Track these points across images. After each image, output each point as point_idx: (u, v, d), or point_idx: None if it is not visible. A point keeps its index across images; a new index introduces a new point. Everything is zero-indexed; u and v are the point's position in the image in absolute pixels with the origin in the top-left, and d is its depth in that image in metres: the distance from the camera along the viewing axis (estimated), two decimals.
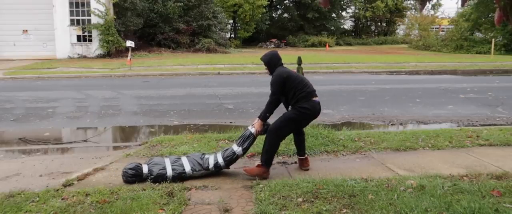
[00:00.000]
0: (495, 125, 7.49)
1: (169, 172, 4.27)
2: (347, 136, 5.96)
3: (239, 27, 38.47)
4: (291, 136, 4.73)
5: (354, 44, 42.21)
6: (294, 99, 4.34)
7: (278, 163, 4.89)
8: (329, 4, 2.07)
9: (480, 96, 10.51)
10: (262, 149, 4.47)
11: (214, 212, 3.51)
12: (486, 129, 6.62)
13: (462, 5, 2.09)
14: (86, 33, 22.83)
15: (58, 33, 22.42)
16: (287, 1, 43.81)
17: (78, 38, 22.92)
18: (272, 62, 4.51)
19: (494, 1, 2.02)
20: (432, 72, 17.07)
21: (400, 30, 48.99)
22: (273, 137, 4.34)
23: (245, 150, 4.42)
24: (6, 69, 16.88)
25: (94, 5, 21.98)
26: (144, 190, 3.96)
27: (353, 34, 48.51)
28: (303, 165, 4.71)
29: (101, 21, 22.08)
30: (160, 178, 4.22)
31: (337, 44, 40.30)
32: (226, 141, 5.84)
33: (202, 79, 14.46)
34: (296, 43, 38.89)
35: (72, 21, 22.61)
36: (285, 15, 44.16)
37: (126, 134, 7.52)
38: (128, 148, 6.16)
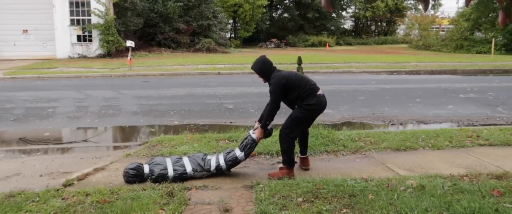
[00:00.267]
0: (495, 124, 7.49)
1: (170, 172, 4.27)
2: (347, 136, 5.96)
3: (239, 27, 38.46)
4: None
5: (354, 44, 42.19)
6: (299, 99, 4.31)
7: (278, 163, 4.89)
8: (332, 7, 2.07)
9: (480, 96, 10.51)
10: (280, 151, 4.49)
11: (214, 212, 3.51)
12: (486, 129, 6.62)
13: (466, 5, 2.09)
14: (86, 33, 22.83)
15: (58, 33, 22.42)
16: (287, 1, 43.81)
17: (78, 38, 22.92)
18: (265, 69, 4.43)
19: (496, 2, 2.02)
20: (432, 72, 17.07)
21: (400, 30, 49.03)
22: (287, 138, 4.35)
23: (246, 155, 4.44)
24: (6, 69, 16.88)
25: (94, 5, 21.98)
26: (144, 190, 3.96)
27: (353, 34, 48.50)
28: (304, 164, 4.71)
29: (101, 21, 22.07)
30: (160, 178, 4.22)
31: (337, 44, 40.29)
32: (226, 141, 5.84)
33: (202, 79, 14.46)
34: (296, 43, 38.88)
35: (72, 21, 22.61)
36: (285, 15, 44.15)
37: (126, 133, 7.52)
38: (128, 148, 6.16)
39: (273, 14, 43.80)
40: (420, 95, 10.57)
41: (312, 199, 3.65)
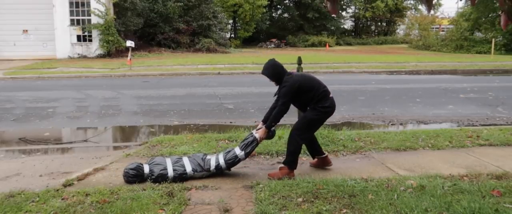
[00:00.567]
0: (495, 124, 7.49)
1: (170, 172, 4.27)
2: (347, 136, 5.96)
3: (239, 27, 38.45)
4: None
5: (354, 44, 42.19)
6: (314, 100, 4.30)
7: (278, 163, 4.89)
8: (337, 11, 2.06)
9: (480, 96, 10.51)
10: (286, 152, 4.44)
11: (214, 212, 3.51)
12: (486, 129, 6.62)
13: (472, 4, 2.08)
14: (86, 33, 22.82)
15: (58, 33, 22.42)
16: (287, 1, 43.80)
17: (78, 38, 22.92)
18: (276, 73, 4.39)
19: (498, 4, 2.02)
20: (432, 72, 17.08)
21: (400, 30, 49.00)
22: (298, 139, 4.33)
23: (247, 154, 4.42)
24: (6, 69, 16.88)
25: (94, 5, 21.97)
26: (144, 190, 3.96)
27: (353, 34, 48.48)
28: (327, 163, 4.66)
29: (101, 21, 22.07)
30: (160, 178, 4.22)
31: (337, 44, 40.29)
32: (226, 141, 5.84)
33: (202, 79, 14.46)
34: (296, 43, 38.88)
35: (72, 21, 22.60)
36: (285, 15, 44.15)
37: (126, 134, 7.52)
38: (128, 148, 6.16)
39: (273, 14, 43.80)
40: (420, 95, 10.57)
41: (312, 199, 3.65)
